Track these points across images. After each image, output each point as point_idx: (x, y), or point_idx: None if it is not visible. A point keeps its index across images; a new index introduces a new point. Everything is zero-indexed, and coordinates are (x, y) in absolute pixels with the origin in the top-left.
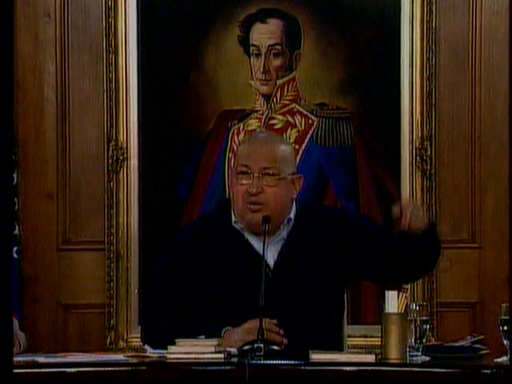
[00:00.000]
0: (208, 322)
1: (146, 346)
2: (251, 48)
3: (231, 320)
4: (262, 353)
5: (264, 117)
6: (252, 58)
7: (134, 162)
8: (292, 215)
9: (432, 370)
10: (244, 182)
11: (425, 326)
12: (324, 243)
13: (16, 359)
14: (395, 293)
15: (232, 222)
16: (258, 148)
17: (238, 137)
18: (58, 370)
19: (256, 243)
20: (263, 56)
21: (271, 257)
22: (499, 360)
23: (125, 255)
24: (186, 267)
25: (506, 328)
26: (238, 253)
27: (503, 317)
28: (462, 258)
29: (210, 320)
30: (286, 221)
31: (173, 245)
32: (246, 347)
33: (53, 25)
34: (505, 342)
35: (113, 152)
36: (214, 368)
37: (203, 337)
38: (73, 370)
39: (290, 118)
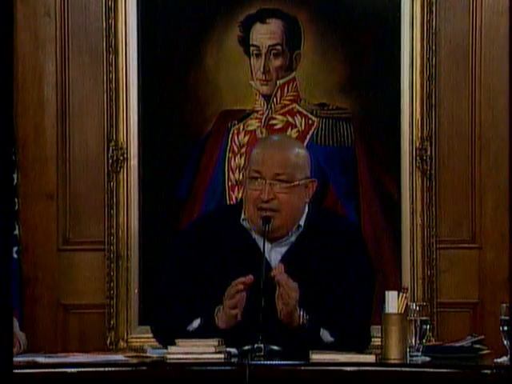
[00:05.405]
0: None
1: (146, 346)
2: (251, 48)
3: None
4: (262, 353)
5: (264, 117)
6: (252, 59)
7: (133, 162)
8: (302, 222)
9: (432, 370)
10: (255, 187)
11: (425, 327)
12: (328, 253)
13: (16, 359)
14: (395, 293)
15: (241, 219)
16: (270, 153)
17: (237, 137)
18: (58, 370)
19: (262, 243)
20: (263, 56)
21: (275, 259)
22: (499, 360)
23: (125, 255)
24: (191, 258)
25: (506, 328)
26: (242, 250)
27: (503, 317)
28: (462, 259)
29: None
30: (295, 228)
31: (181, 236)
32: (247, 347)
33: (53, 25)
34: (505, 342)
35: (113, 152)
36: (214, 368)
37: (199, 320)
38: (73, 370)
39: (290, 119)
